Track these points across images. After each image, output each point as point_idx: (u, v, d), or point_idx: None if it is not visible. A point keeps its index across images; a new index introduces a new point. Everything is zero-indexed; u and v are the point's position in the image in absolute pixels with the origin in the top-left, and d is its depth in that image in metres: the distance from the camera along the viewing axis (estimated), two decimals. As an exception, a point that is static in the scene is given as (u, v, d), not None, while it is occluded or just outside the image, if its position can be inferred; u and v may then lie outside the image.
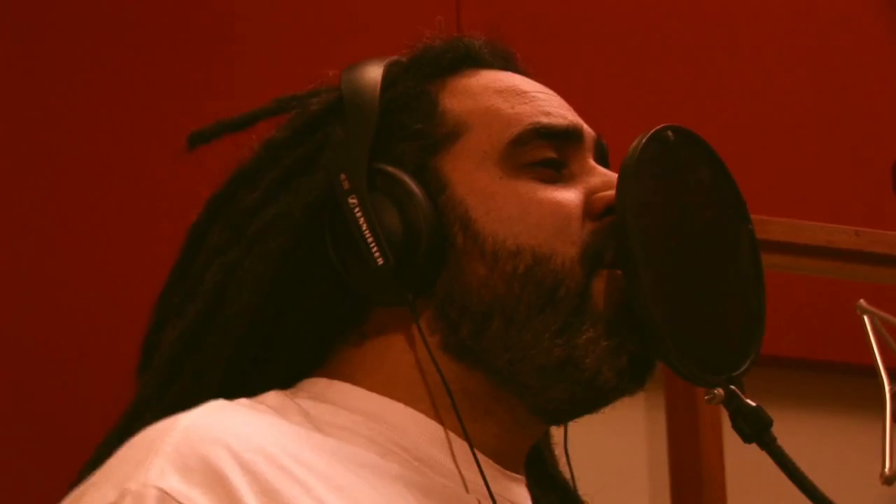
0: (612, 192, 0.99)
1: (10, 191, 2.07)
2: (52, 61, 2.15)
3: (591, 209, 1.00)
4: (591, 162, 1.04)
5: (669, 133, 1.01)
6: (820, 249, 2.14)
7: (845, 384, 2.46)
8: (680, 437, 2.14)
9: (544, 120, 1.02)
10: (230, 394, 0.97)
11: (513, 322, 0.97)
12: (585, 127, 1.05)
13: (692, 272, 0.99)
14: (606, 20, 2.49)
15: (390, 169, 1.00)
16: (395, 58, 1.07)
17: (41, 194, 2.08)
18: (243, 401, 0.96)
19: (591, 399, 0.99)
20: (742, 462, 2.16)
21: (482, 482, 0.96)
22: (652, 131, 1.00)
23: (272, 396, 0.98)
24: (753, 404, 0.97)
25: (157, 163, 2.06)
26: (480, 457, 0.97)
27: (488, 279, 0.98)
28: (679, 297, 0.98)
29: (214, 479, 0.85)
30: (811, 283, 2.36)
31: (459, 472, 0.97)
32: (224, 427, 0.89)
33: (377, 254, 0.97)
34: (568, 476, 1.11)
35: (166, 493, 0.84)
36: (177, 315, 1.02)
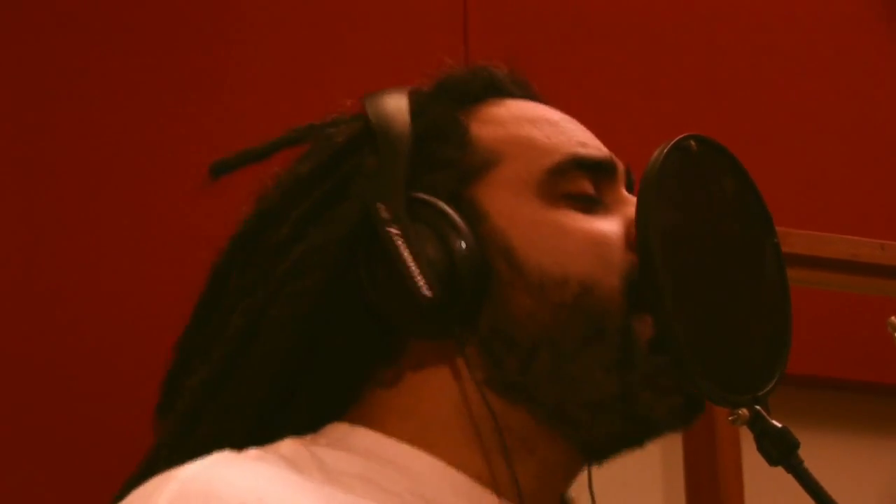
0: None
1: (9, 196, 2.08)
2: (51, 64, 2.15)
3: (632, 241, 0.98)
4: (624, 192, 1.03)
5: (692, 142, 1.00)
6: (843, 263, 2.12)
7: (870, 404, 2.44)
8: (697, 459, 2.12)
9: (582, 151, 1.01)
10: (255, 442, 0.96)
11: (561, 355, 0.95)
12: (617, 160, 1.04)
13: (715, 288, 0.98)
14: (621, 31, 2.49)
15: (429, 198, 0.98)
16: (416, 87, 1.06)
17: (41, 201, 2.09)
18: (252, 452, 0.94)
19: (641, 433, 0.98)
20: (761, 485, 2.15)
21: None
22: (674, 141, 0.99)
23: (286, 445, 0.96)
24: (779, 425, 0.96)
25: (158, 170, 2.07)
26: None
27: (535, 311, 0.96)
28: (702, 313, 0.97)
29: None
30: (834, 298, 2.34)
31: None
32: (221, 480, 0.88)
33: (423, 286, 0.94)
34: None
35: None
36: (200, 359, 1.00)
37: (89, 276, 2.05)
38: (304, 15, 2.28)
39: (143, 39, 2.19)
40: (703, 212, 1.00)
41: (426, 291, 0.94)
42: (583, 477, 1.06)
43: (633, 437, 0.98)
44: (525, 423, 0.97)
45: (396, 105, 1.02)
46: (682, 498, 2.17)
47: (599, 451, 0.99)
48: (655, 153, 0.98)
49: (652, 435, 0.98)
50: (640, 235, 0.96)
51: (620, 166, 1.03)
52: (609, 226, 0.99)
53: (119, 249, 2.06)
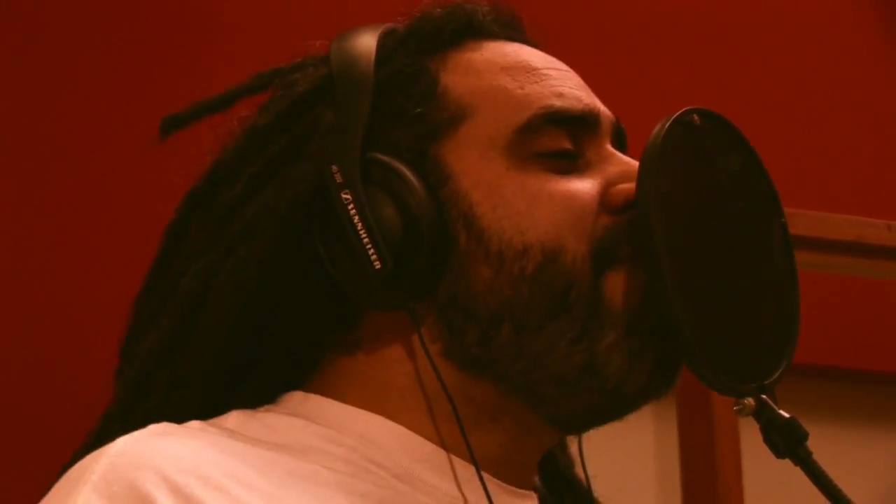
0: (632, 185, 0.95)
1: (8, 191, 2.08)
2: (36, 58, 2.15)
3: (609, 202, 0.96)
4: (609, 148, 1.00)
5: (695, 117, 0.97)
6: (849, 245, 2.09)
7: (877, 395, 2.43)
8: (694, 453, 2.11)
9: (557, 103, 0.98)
10: (208, 412, 0.95)
11: (524, 329, 0.94)
12: (603, 110, 1.01)
13: (720, 271, 0.96)
14: (626, 8, 2.49)
15: (387, 159, 0.96)
16: (389, 26, 1.02)
17: (35, 194, 2.10)
18: (194, 423, 0.93)
19: (615, 407, 0.96)
20: (760, 480, 2.13)
21: (476, 500, 0.93)
22: (676, 115, 0.97)
23: (233, 417, 0.95)
24: (787, 416, 0.94)
25: (138, 156, 2.05)
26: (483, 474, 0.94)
27: (493, 282, 0.94)
28: (706, 298, 0.94)
29: None
30: (839, 282, 2.33)
31: (456, 492, 0.94)
32: (156, 450, 0.87)
33: (374, 256, 0.93)
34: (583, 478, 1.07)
35: None
36: (152, 323, 0.99)
37: (76, 276, 2.05)
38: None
39: (126, 28, 2.20)
40: (708, 189, 0.97)
41: (377, 262, 0.92)
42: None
43: (604, 411, 0.96)
44: (489, 395, 0.95)
45: (361, 52, 0.99)
46: (678, 488, 2.15)
47: (571, 425, 0.98)
48: (656, 128, 0.95)
49: (627, 406, 0.96)
50: (640, 214, 0.93)
51: (606, 119, 1.00)
52: (584, 186, 0.96)
53: (110, 246, 2.06)
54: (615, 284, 0.94)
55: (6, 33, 2.13)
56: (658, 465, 2.33)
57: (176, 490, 0.84)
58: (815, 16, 2.61)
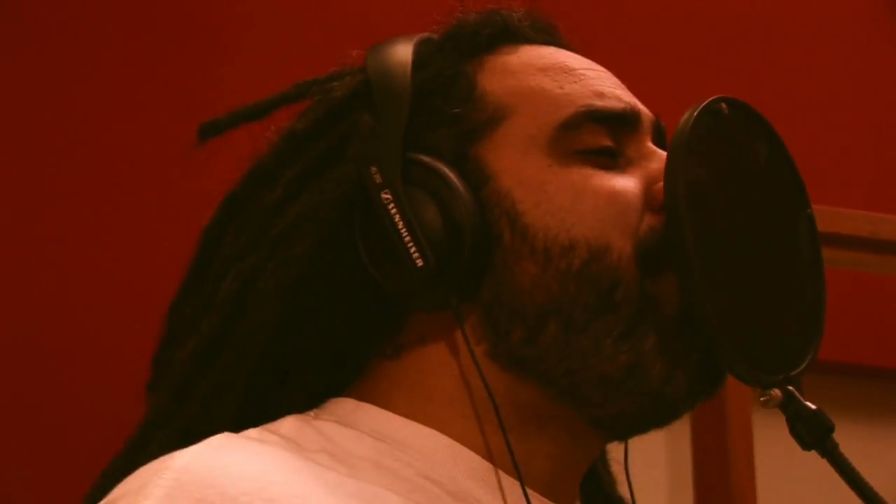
0: None
1: (11, 189, 2.08)
2: (49, 58, 2.15)
3: (652, 201, 0.96)
4: (650, 145, 1.00)
5: (723, 105, 0.97)
6: (863, 241, 2.09)
7: (887, 390, 2.44)
8: (707, 453, 2.10)
9: (598, 102, 0.98)
10: (248, 418, 0.95)
11: (571, 326, 0.94)
12: (643, 109, 1.01)
13: (747, 261, 0.96)
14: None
15: (427, 159, 0.96)
16: (424, 35, 1.04)
17: (42, 192, 2.09)
18: (252, 432, 0.93)
19: (659, 411, 0.96)
20: (773, 480, 2.13)
21: None
22: (704, 103, 0.97)
23: (289, 423, 0.95)
24: (814, 407, 0.94)
25: (165, 158, 2.04)
26: (528, 491, 0.93)
27: (540, 279, 0.94)
28: (734, 289, 0.95)
29: None
30: (852, 279, 2.33)
31: None
32: (221, 468, 0.86)
33: (416, 254, 0.93)
34: (627, 497, 1.07)
35: None
36: (189, 329, 0.99)
37: (92, 274, 2.05)
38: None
39: (140, 26, 2.19)
40: (735, 179, 0.97)
41: (419, 261, 0.93)
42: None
43: (650, 414, 0.96)
44: (535, 398, 0.95)
45: (398, 58, 1.00)
46: (690, 488, 2.14)
47: (616, 429, 0.98)
48: (685, 115, 0.95)
49: (671, 411, 0.96)
50: (668, 203, 0.93)
51: (646, 118, 1.00)
52: (625, 183, 0.96)
53: (123, 246, 2.07)
54: (661, 287, 0.94)
55: (18, 34, 2.13)
56: (669, 466, 2.33)
57: None
58: (830, 10, 2.61)
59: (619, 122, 0.98)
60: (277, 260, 0.96)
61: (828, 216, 2.06)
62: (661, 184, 0.96)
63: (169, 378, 0.98)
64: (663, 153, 0.99)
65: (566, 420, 0.96)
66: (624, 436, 0.99)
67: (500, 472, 0.94)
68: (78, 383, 1.99)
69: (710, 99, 0.97)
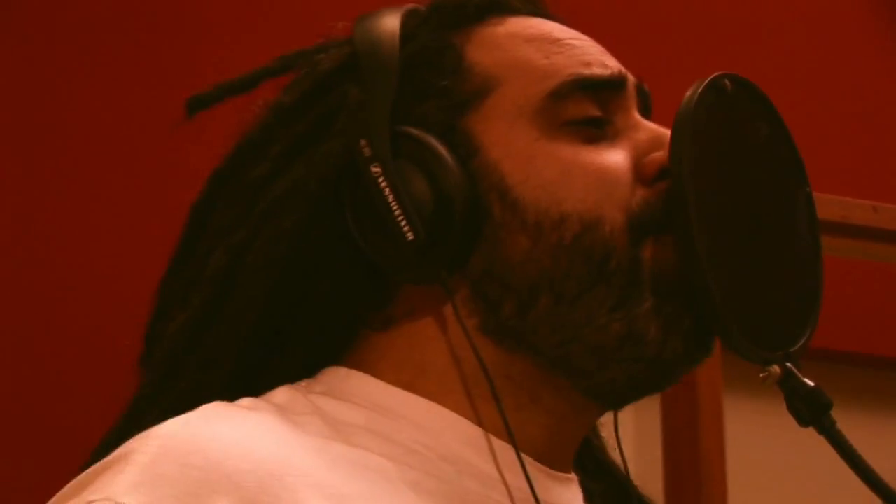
0: (664, 154, 0.97)
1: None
2: (32, 53, 2.16)
3: (643, 173, 0.97)
4: (637, 116, 1.01)
5: (727, 82, 0.99)
6: (834, 225, 2.10)
7: (861, 377, 2.45)
8: (677, 436, 2.10)
9: (585, 71, 0.99)
10: (241, 390, 0.95)
11: (562, 299, 0.94)
12: (628, 73, 1.02)
13: (748, 238, 0.98)
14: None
15: (416, 132, 0.97)
16: (411, 6, 1.04)
17: (34, 184, 2.11)
18: (245, 401, 0.94)
19: (656, 376, 0.97)
20: (743, 463, 2.14)
21: (525, 486, 0.93)
22: (708, 79, 0.97)
23: (281, 392, 0.95)
24: (812, 384, 0.95)
25: (154, 140, 2.07)
26: (524, 457, 0.94)
27: (532, 252, 0.95)
28: (735, 266, 0.96)
29: (189, 494, 0.83)
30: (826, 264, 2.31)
31: (498, 475, 0.94)
32: (208, 435, 0.87)
33: (406, 228, 0.94)
34: (619, 461, 1.08)
35: None
36: (179, 304, 0.99)
37: (86, 264, 2.07)
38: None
39: (124, 18, 2.20)
40: (737, 156, 0.99)
41: (409, 234, 0.93)
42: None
43: (645, 380, 0.97)
44: (528, 370, 0.96)
45: (385, 29, 1.00)
46: (659, 475, 2.15)
47: (612, 397, 0.98)
48: (690, 91, 0.96)
49: (668, 375, 0.97)
50: (674, 178, 0.94)
51: (631, 83, 1.01)
52: (617, 157, 0.97)
53: (116, 235, 2.09)
54: (652, 253, 0.95)
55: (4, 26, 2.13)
56: (638, 449, 2.33)
57: (227, 478, 0.84)
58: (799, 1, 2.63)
59: (607, 88, 0.99)
60: (266, 234, 0.97)
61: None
62: (651, 156, 0.97)
63: (160, 353, 0.98)
64: (650, 123, 1.00)
65: (559, 390, 0.96)
66: (618, 404, 1.00)
67: (494, 439, 0.95)
68: (75, 377, 2.01)
69: (714, 75, 0.98)
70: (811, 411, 0.94)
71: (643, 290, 0.94)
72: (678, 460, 2.10)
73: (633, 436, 2.34)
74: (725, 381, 2.05)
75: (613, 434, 1.07)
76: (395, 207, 0.94)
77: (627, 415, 2.07)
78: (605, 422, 1.06)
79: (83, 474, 0.87)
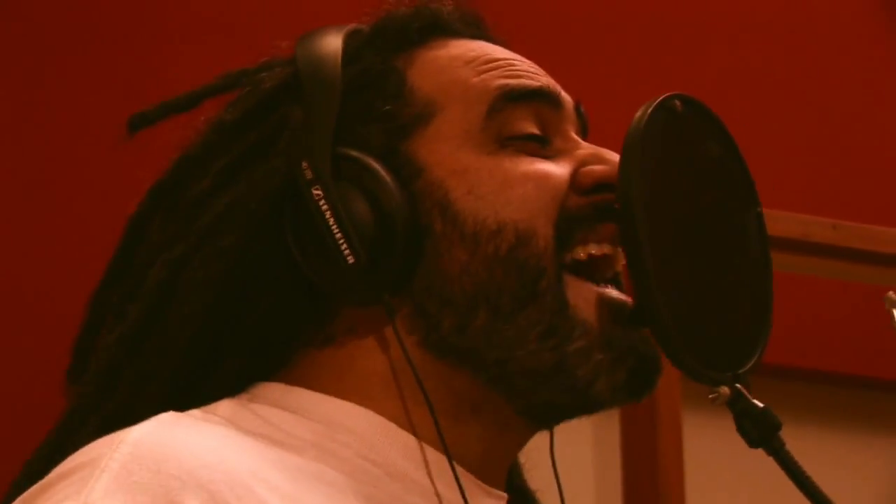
0: (603, 167, 0.98)
1: None
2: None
3: (579, 183, 0.98)
4: (575, 136, 1.02)
5: (677, 102, 0.99)
6: (794, 243, 2.11)
7: (822, 393, 2.46)
8: (636, 452, 2.11)
9: (512, 82, 1.00)
10: (177, 402, 0.95)
11: (499, 313, 0.95)
12: (563, 93, 1.03)
13: (697, 259, 0.98)
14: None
15: (357, 154, 0.97)
16: (353, 26, 1.04)
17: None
18: (195, 412, 0.94)
19: (582, 406, 0.98)
20: (702, 478, 2.15)
21: (458, 499, 0.94)
22: (659, 99, 0.98)
23: (224, 405, 0.96)
24: (761, 405, 0.95)
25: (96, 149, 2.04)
26: (459, 470, 0.95)
27: (469, 264, 0.96)
28: (684, 286, 0.96)
29: (165, 500, 0.83)
30: (783, 281, 2.31)
31: (433, 489, 0.95)
32: (178, 442, 0.87)
33: (347, 251, 0.94)
34: (545, 486, 1.08)
35: None
36: (115, 316, 0.99)
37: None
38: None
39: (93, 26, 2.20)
40: (687, 176, 0.99)
41: (350, 258, 0.94)
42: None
43: (572, 407, 0.98)
44: (468, 385, 0.97)
45: (328, 50, 1.00)
46: (617, 489, 2.17)
47: (540, 418, 0.99)
48: (639, 111, 0.97)
49: (594, 407, 0.98)
50: (622, 201, 0.95)
51: (567, 102, 1.02)
52: (554, 167, 0.98)
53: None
54: (578, 291, 0.96)
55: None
56: (597, 465, 2.34)
57: (201, 486, 0.84)
58: (763, 15, 2.64)
59: (537, 99, 1.00)
60: (206, 251, 0.97)
61: (760, 218, 2.10)
62: (589, 167, 0.98)
63: (95, 365, 0.98)
64: (588, 144, 1.01)
65: (497, 407, 0.97)
66: (547, 424, 1.01)
67: (433, 451, 0.95)
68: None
69: (665, 95, 0.98)
70: (760, 432, 0.94)
71: (574, 326, 0.95)
72: (637, 473, 2.11)
73: (593, 448, 2.34)
74: (684, 395, 2.06)
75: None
76: (335, 230, 0.94)
77: (587, 427, 2.08)
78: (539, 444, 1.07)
79: (45, 481, 0.87)
